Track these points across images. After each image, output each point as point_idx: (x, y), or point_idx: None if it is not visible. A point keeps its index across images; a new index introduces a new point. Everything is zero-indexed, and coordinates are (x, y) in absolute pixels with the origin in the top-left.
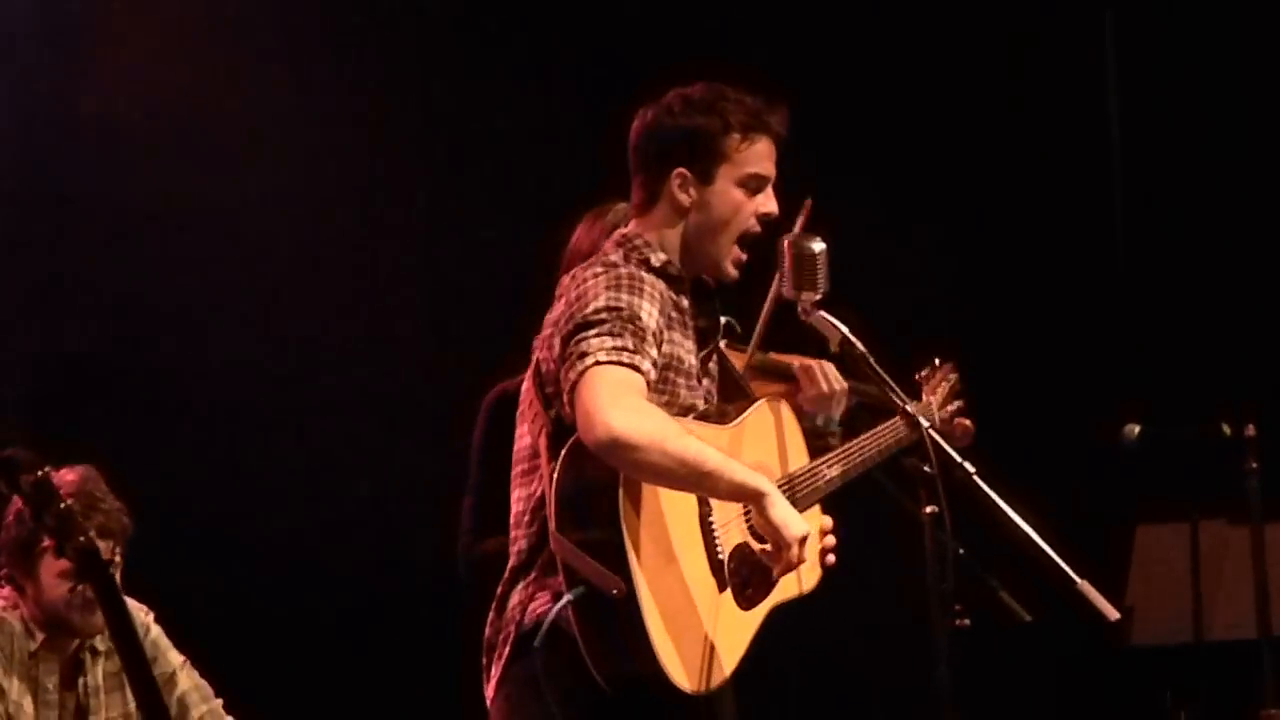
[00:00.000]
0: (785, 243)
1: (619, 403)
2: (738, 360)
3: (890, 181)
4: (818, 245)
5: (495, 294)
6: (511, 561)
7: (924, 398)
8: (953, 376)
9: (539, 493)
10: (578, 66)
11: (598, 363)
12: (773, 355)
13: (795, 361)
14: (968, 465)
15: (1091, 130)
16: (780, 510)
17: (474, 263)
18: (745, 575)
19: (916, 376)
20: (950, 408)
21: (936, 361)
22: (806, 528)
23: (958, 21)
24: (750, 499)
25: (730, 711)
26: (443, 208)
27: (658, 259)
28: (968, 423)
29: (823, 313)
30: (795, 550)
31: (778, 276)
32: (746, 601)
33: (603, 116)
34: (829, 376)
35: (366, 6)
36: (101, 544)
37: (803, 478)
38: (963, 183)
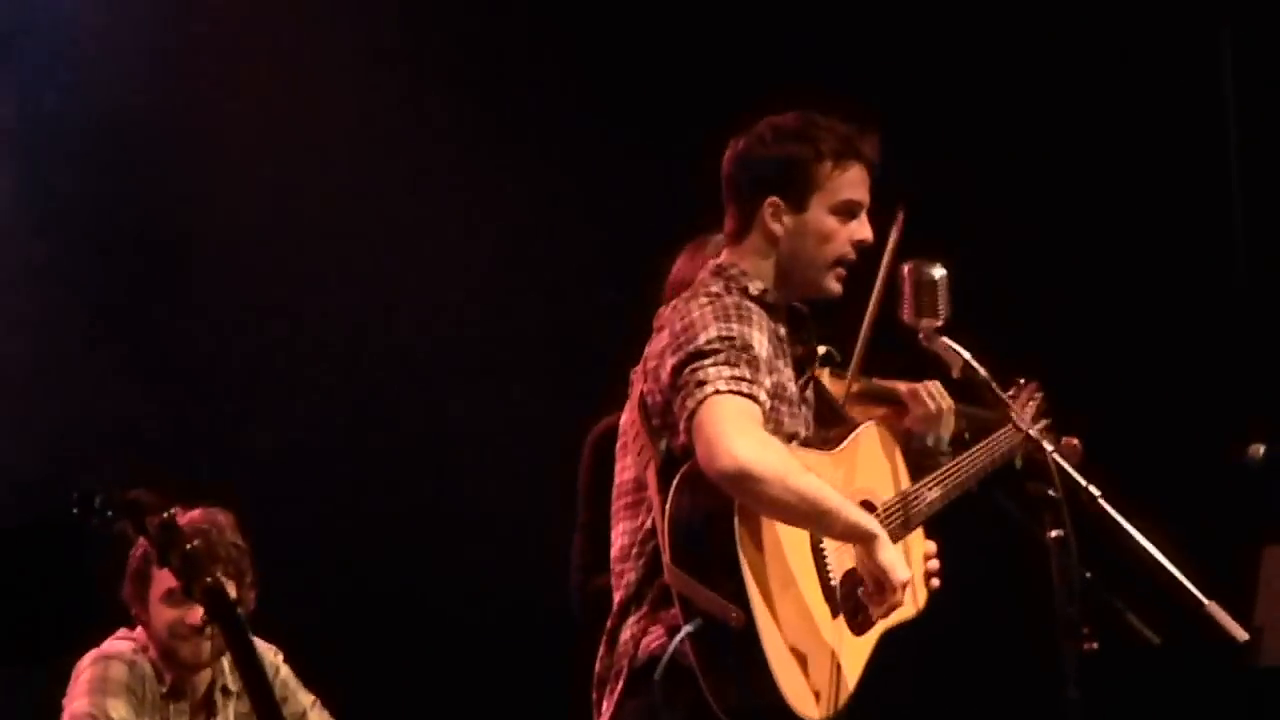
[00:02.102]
0: (905, 269)
1: (744, 433)
2: (838, 387)
3: (1001, 193)
4: (938, 271)
5: (596, 328)
6: (619, 595)
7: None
8: (1039, 395)
9: (647, 525)
10: (672, 98)
11: (718, 391)
12: (876, 380)
13: (900, 386)
14: (1093, 488)
15: (1209, 139)
16: (888, 555)
17: (570, 297)
18: (857, 600)
19: (1004, 396)
20: (1039, 426)
21: (1021, 380)
22: (909, 574)
23: (1070, 33)
24: (860, 540)
25: None
26: (539, 241)
27: (755, 288)
28: (1075, 441)
29: (945, 339)
30: (899, 595)
31: (873, 301)
32: (859, 626)
33: (698, 147)
34: (936, 396)
35: (458, 30)
36: (229, 583)
37: (910, 502)
38: (1077, 194)
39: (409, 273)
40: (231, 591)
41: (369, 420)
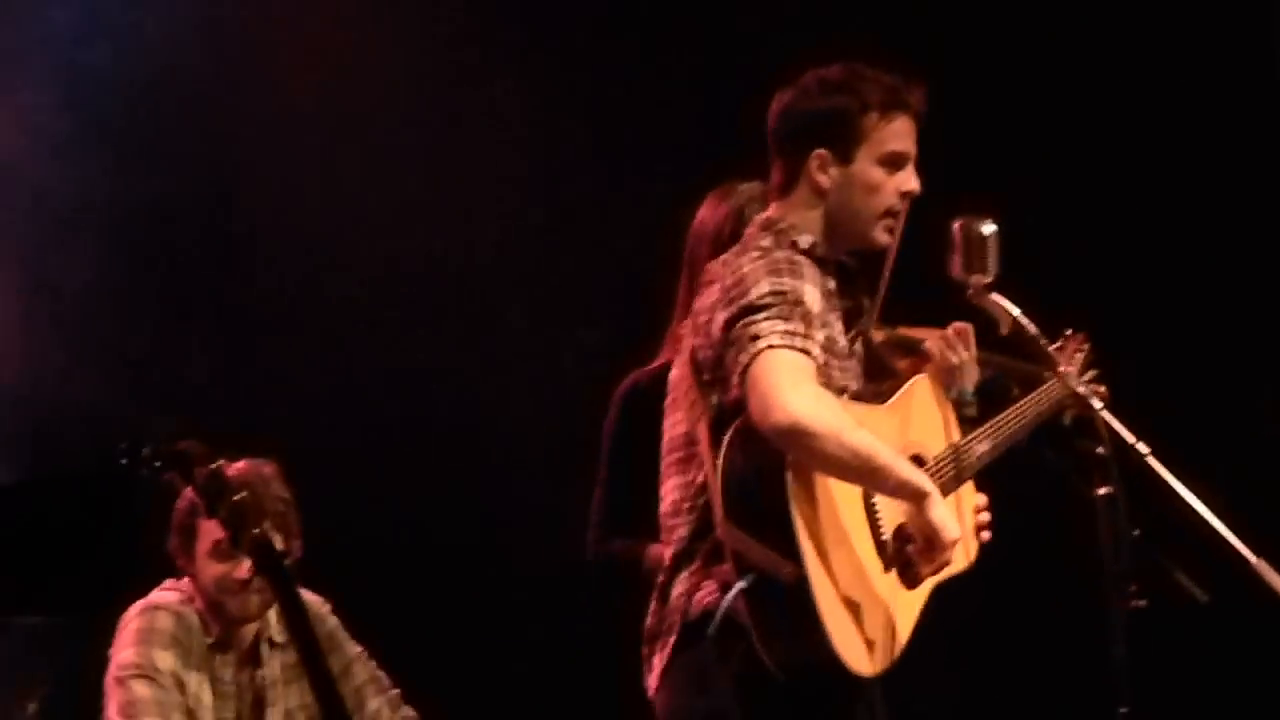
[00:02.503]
0: (955, 225)
1: (799, 388)
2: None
3: (1048, 146)
4: (988, 227)
5: (620, 281)
6: (671, 550)
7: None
8: (1085, 347)
9: (699, 480)
10: (714, 45)
11: (771, 346)
12: (899, 330)
13: (926, 335)
14: (1141, 445)
15: (1260, 83)
16: (940, 513)
17: (596, 250)
18: (909, 555)
19: (1050, 349)
20: (1086, 379)
21: (1068, 333)
22: (959, 532)
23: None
24: (913, 498)
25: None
26: (568, 194)
27: (804, 241)
28: (1102, 389)
29: (994, 295)
30: (949, 554)
31: (890, 254)
32: (911, 581)
33: (732, 101)
34: (960, 348)
35: None
36: (276, 535)
37: (961, 455)
38: (1125, 146)
39: (451, 218)
40: (278, 543)
41: (412, 369)
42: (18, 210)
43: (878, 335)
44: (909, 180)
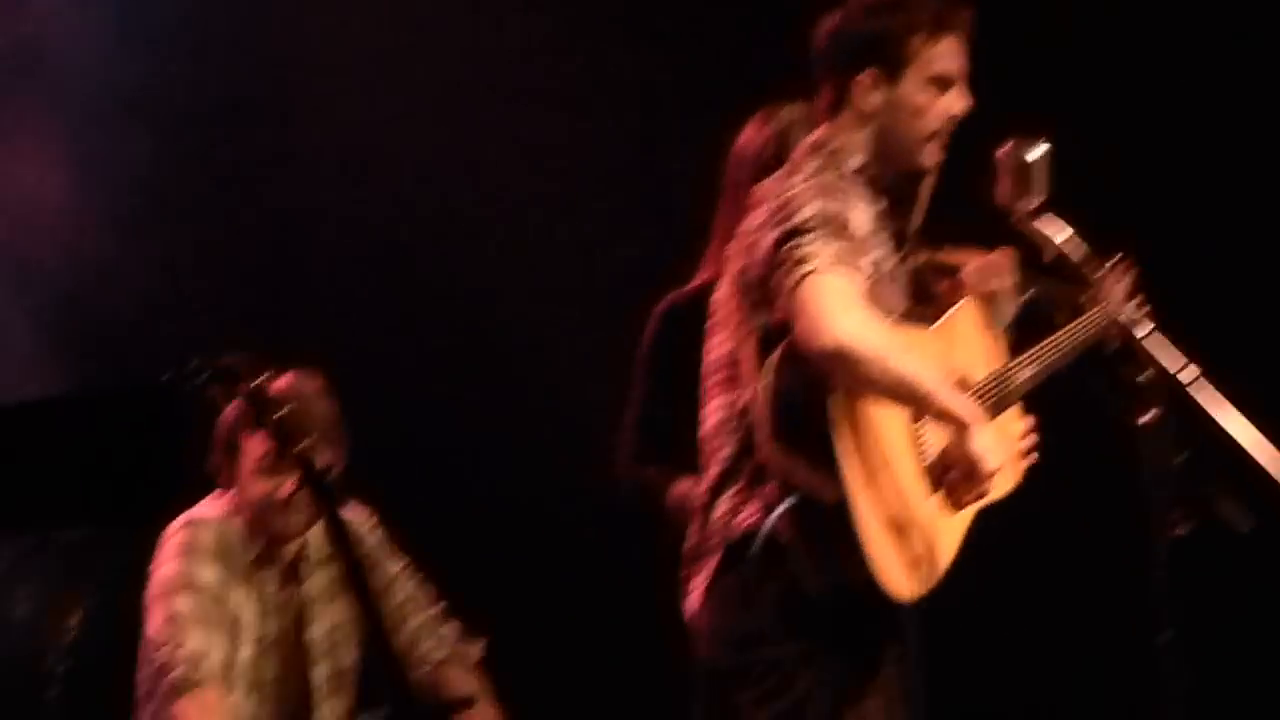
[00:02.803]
0: (1002, 149)
1: (846, 312)
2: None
3: (1093, 69)
4: (1036, 153)
5: (659, 202)
6: (714, 470)
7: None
8: (1131, 274)
9: (742, 401)
10: None
11: (819, 270)
12: (939, 254)
13: (967, 259)
14: (1186, 372)
15: None
16: (981, 443)
17: (637, 170)
18: (950, 480)
19: (1096, 275)
20: (1132, 305)
21: (1114, 259)
22: (1000, 463)
23: None
24: (955, 426)
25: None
26: (610, 114)
27: (852, 164)
28: (1148, 314)
29: (1040, 220)
30: (988, 485)
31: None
32: (954, 504)
33: (777, 22)
34: (998, 276)
35: None
36: (321, 450)
37: (1004, 381)
38: (1173, 64)
39: (497, 135)
40: (323, 458)
41: (455, 283)
42: (78, 95)
43: (920, 257)
44: (958, 101)
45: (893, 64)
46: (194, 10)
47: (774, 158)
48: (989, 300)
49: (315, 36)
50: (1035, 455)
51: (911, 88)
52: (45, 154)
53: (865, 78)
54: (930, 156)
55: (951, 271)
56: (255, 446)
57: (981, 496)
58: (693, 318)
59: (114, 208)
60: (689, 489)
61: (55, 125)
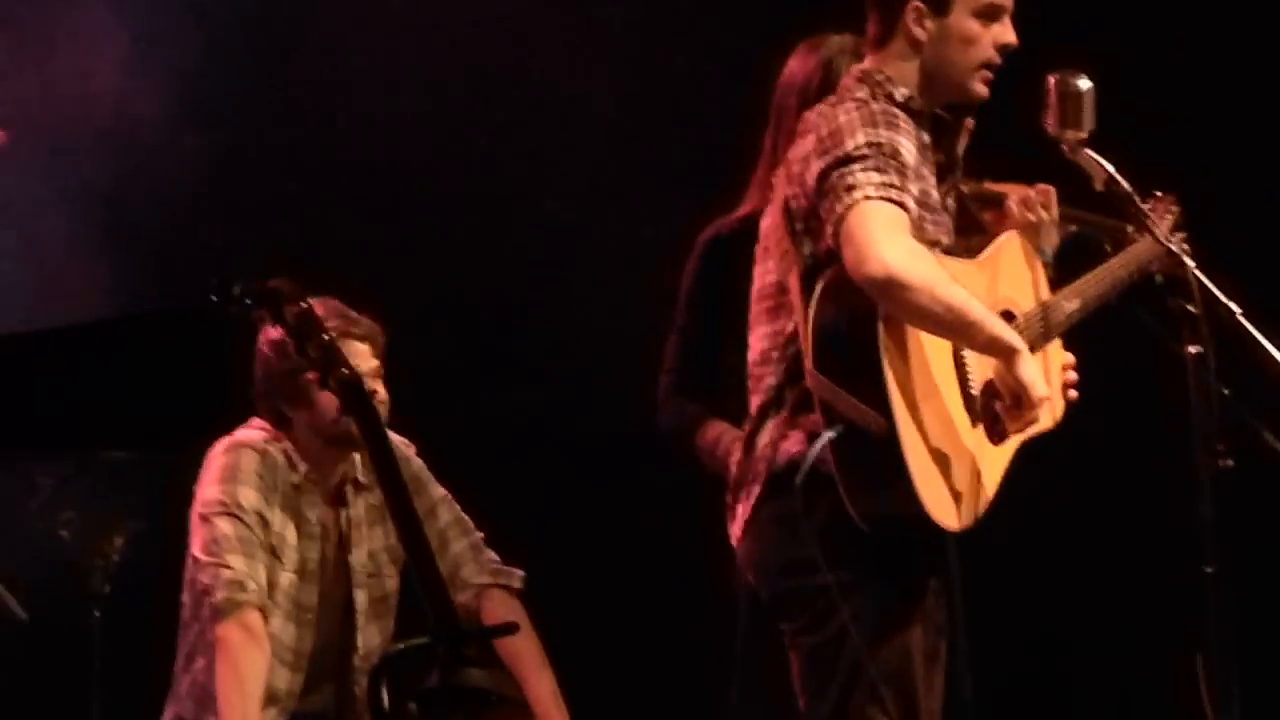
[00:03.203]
0: (1051, 80)
1: (894, 240)
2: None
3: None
4: (1084, 83)
5: (706, 130)
6: (758, 399)
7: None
8: (1175, 209)
9: (789, 329)
10: None
11: (867, 198)
12: (986, 184)
13: (1011, 190)
14: (1233, 305)
15: None
16: (1029, 371)
17: (683, 96)
18: (996, 411)
19: (1144, 209)
20: (1178, 239)
21: (1159, 194)
22: (1047, 390)
23: None
24: (1003, 354)
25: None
26: (653, 44)
27: (901, 94)
28: (1190, 249)
29: (1088, 151)
30: (1036, 412)
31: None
32: (998, 436)
33: None
34: (1038, 207)
35: None
36: (367, 366)
37: (1050, 312)
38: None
39: (542, 58)
40: (368, 383)
41: (501, 210)
42: None
43: (964, 188)
44: (1006, 33)
45: None
46: None
47: (821, 86)
48: (1034, 231)
49: None
50: (1077, 392)
51: (960, 17)
52: (97, 42)
53: (914, 8)
54: (980, 86)
55: (997, 202)
56: (300, 371)
57: (1028, 425)
58: (737, 246)
59: (164, 102)
60: (720, 433)
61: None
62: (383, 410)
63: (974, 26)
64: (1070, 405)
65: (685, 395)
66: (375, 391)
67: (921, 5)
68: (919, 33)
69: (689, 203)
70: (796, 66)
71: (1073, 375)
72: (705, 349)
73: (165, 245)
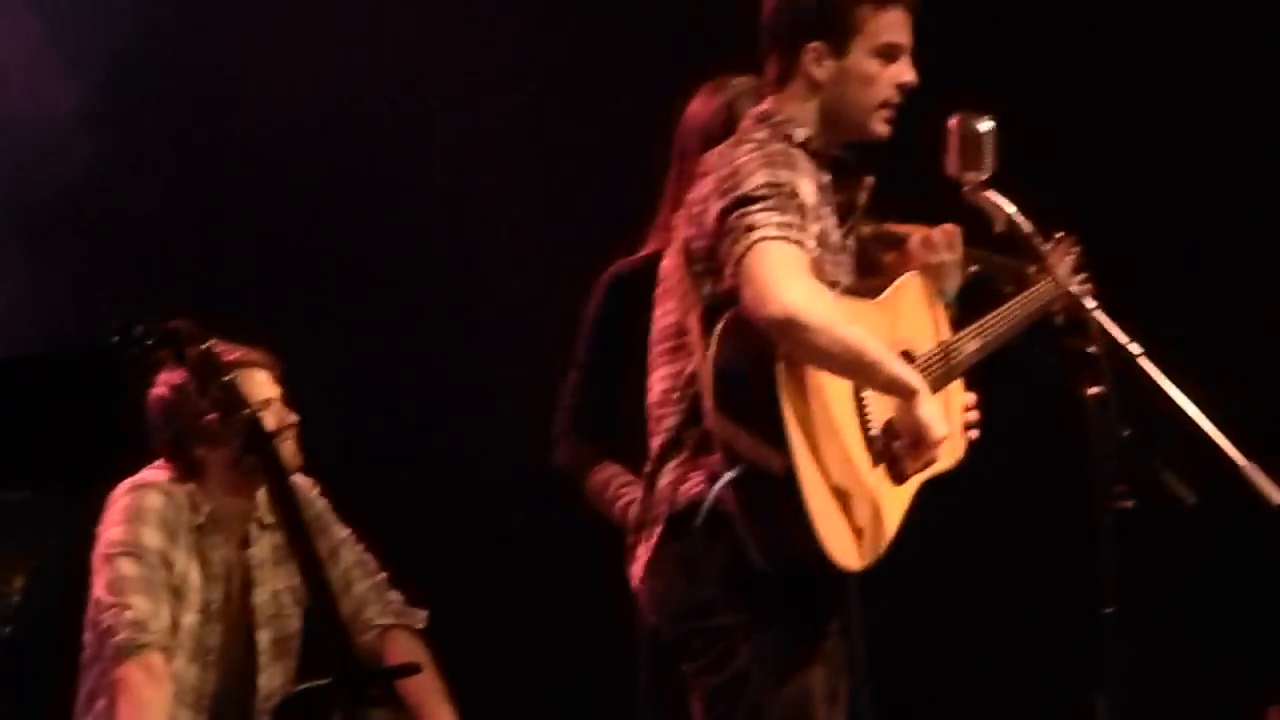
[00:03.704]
0: (952, 122)
1: (793, 280)
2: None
3: (1044, 47)
4: (985, 124)
5: (606, 171)
6: (658, 440)
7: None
8: (1075, 250)
9: (688, 370)
10: None
11: (767, 238)
12: (887, 225)
13: (913, 231)
14: (1133, 346)
15: None
16: (928, 410)
17: (583, 142)
18: (896, 449)
19: (1044, 250)
20: (1078, 280)
21: (1059, 234)
22: (947, 430)
23: None
24: (902, 394)
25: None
26: (557, 83)
27: (800, 134)
28: (1092, 290)
29: (989, 192)
30: (935, 452)
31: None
32: (898, 476)
33: None
34: (941, 248)
35: None
36: (271, 393)
37: (950, 353)
38: (1124, 46)
39: (439, 104)
40: (269, 423)
41: (393, 252)
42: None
43: (865, 229)
44: (905, 72)
45: (839, 35)
46: None
47: (723, 128)
48: (936, 272)
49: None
50: (978, 431)
51: (859, 57)
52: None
53: (812, 49)
54: (880, 125)
55: (899, 243)
56: (203, 412)
57: (928, 465)
58: (639, 287)
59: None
60: (611, 477)
61: None
62: (292, 433)
63: (873, 66)
64: (971, 445)
65: (581, 433)
66: (282, 419)
67: (820, 45)
68: (818, 73)
69: (591, 243)
70: (699, 108)
71: (973, 415)
72: (604, 387)
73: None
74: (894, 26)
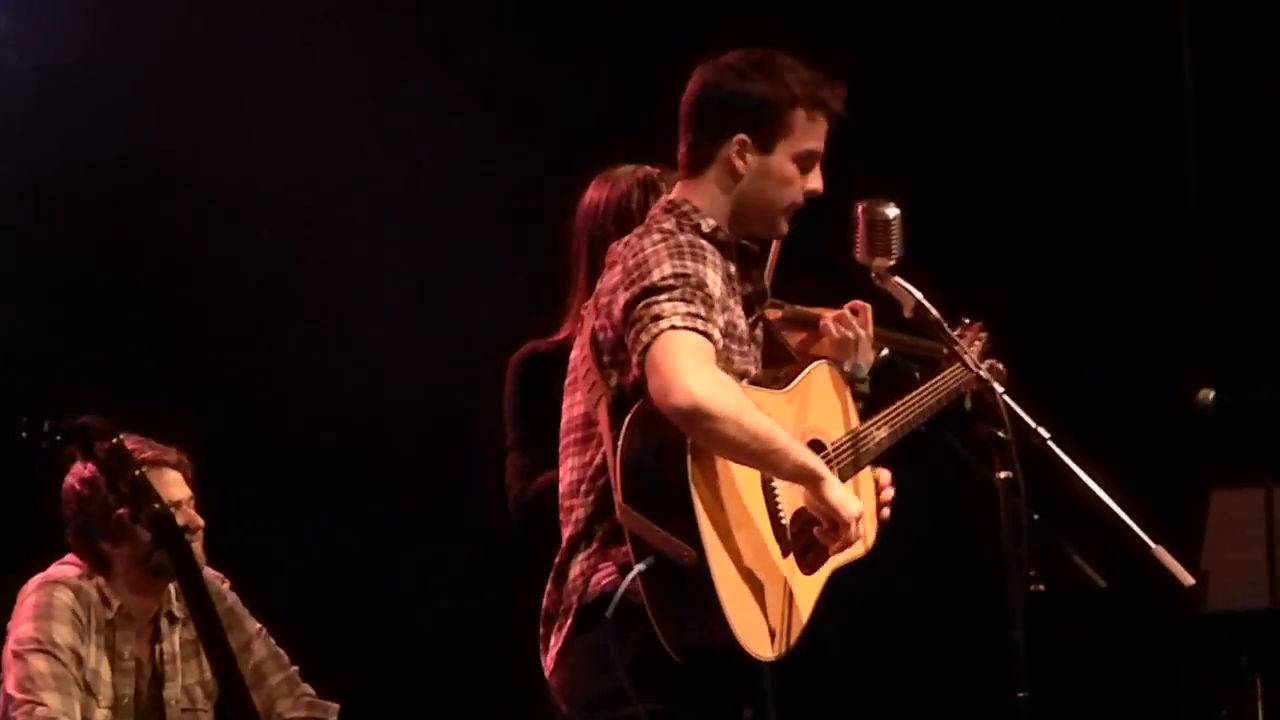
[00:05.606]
0: (859, 208)
1: (700, 370)
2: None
3: (949, 135)
4: (892, 211)
5: (509, 261)
6: (569, 531)
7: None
8: (984, 335)
9: (597, 461)
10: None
11: (673, 327)
12: (796, 306)
13: (822, 312)
14: (1042, 431)
15: (1162, 74)
16: (835, 493)
17: (486, 229)
18: (808, 538)
19: (953, 336)
20: (986, 365)
21: (967, 320)
22: (860, 506)
23: None
24: (808, 481)
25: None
26: (462, 169)
27: (708, 225)
28: (1001, 367)
29: (897, 278)
30: (853, 529)
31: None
32: (809, 565)
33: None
34: (854, 324)
35: None
36: (181, 494)
37: (859, 441)
38: (1026, 134)
39: (347, 193)
40: (179, 519)
41: (308, 343)
42: None
43: (774, 313)
44: (816, 180)
45: (769, 132)
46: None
47: (639, 213)
48: (851, 349)
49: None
50: (889, 510)
51: (782, 158)
52: None
53: (738, 141)
54: (785, 224)
55: (811, 323)
56: (113, 508)
57: (848, 545)
58: (553, 368)
59: None
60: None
61: None
62: (199, 536)
63: (792, 169)
64: (883, 530)
65: (539, 506)
66: (191, 520)
67: (747, 139)
68: (740, 165)
69: (507, 321)
70: (598, 196)
71: (888, 494)
72: (543, 455)
73: None
74: (818, 135)
